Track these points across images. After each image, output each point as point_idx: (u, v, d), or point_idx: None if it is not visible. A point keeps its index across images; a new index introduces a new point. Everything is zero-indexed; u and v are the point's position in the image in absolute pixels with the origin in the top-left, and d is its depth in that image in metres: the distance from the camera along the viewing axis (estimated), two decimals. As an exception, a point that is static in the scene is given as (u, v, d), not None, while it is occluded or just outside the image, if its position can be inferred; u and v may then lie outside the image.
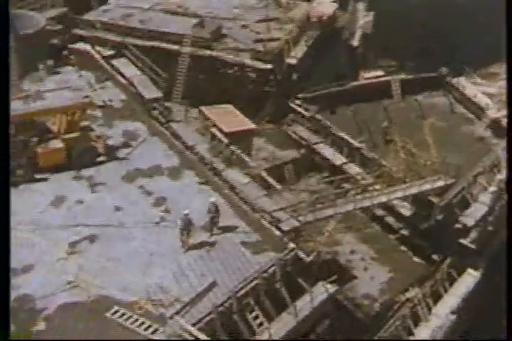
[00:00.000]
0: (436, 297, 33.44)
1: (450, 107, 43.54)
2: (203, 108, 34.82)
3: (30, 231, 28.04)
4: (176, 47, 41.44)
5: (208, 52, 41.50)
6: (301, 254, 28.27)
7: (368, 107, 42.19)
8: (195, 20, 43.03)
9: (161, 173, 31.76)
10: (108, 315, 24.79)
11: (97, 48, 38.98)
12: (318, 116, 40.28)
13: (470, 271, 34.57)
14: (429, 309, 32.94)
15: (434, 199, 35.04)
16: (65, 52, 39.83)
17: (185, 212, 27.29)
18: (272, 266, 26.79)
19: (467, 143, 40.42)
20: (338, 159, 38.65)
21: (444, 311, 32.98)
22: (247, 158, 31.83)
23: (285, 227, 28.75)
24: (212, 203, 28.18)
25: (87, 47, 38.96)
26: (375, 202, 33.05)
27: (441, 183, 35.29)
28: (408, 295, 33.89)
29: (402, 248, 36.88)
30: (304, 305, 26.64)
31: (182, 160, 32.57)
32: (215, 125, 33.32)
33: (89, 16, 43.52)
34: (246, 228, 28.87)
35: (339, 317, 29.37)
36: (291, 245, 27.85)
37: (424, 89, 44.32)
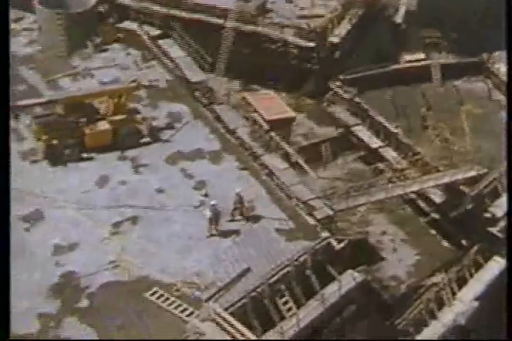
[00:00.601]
0: (462, 282, 34.54)
1: (488, 93, 43.86)
2: (246, 94, 35.74)
3: (76, 209, 29.55)
4: (220, 21, 42.12)
5: (252, 27, 42.16)
6: (333, 242, 29.57)
7: (407, 90, 42.74)
8: (240, -6, 43.61)
9: (202, 157, 32.92)
10: (147, 295, 26.38)
11: (144, 28, 39.71)
12: (357, 99, 40.94)
13: (497, 258, 35.59)
14: (454, 294, 34.13)
15: (466, 189, 35.87)
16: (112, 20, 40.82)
17: (213, 202, 28.55)
18: (304, 254, 28.20)
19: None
20: (375, 142, 39.46)
21: (468, 297, 34.01)
22: (285, 145, 32.81)
23: (319, 215, 30.01)
24: (236, 194, 29.30)
25: (134, 26, 39.80)
26: (407, 191, 34.09)
27: (473, 173, 36.05)
28: (434, 279, 34.86)
29: (432, 231, 37.68)
30: (332, 292, 28.00)
31: (223, 145, 33.70)
32: (256, 111, 34.25)
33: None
34: (281, 215, 30.05)
35: (365, 301, 30.63)
36: (324, 234, 29.13)
37: (464, 73, 44.60)
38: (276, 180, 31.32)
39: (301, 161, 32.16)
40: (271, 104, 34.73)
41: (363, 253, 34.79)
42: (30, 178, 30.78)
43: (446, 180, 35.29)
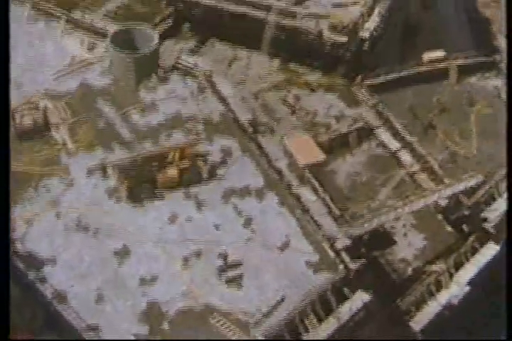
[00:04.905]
0: (459, 266, 42.13)
1: (498, 92, 49.12)
2: (285, 138, 42.51)
3: (154, 246, 38.03)
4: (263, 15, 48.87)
5: (292, 22, 48.75)
6: (350, 264, 38.32)
7: (427, 89, 48.51)
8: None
9: (249, 193, 40.37)
10: (211, 320, 35.79)
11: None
12: (380, 106, 47.17)
13: (491, 244, 42.65)
14: (452, 276, 42.16)
15: (464, 199, 43.20)
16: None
17: (220, 263, 36.95)
18: (326, 284, 37.23)
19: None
20: (393, 144, 46.16)
21: (464, 279, 41.71)
22: (316, 183, 40.68)
23: (339, 246, 38.58)
24: (220, 254, 37.21)
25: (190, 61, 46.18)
26: (415, 209, 41.97)
27: (473, 183, 43.28)
28: (435, 268, 42.58)
29: (439, 216, 44.36)
30: (345, 311, 37.19)
31: (266, 180, 40.98)
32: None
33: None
34: (310, 248, 38.43)
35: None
36: (342, 267, 37.89)
37: (479, 70, 49.84)
38: (307, 213, 39.58)
39: (328, 199, 40.06)
40: (306, 147, 41.82)
41: (380, 239, 43.00)
42: (115, 215, 39.26)
43: (448, 192, 42.89)
